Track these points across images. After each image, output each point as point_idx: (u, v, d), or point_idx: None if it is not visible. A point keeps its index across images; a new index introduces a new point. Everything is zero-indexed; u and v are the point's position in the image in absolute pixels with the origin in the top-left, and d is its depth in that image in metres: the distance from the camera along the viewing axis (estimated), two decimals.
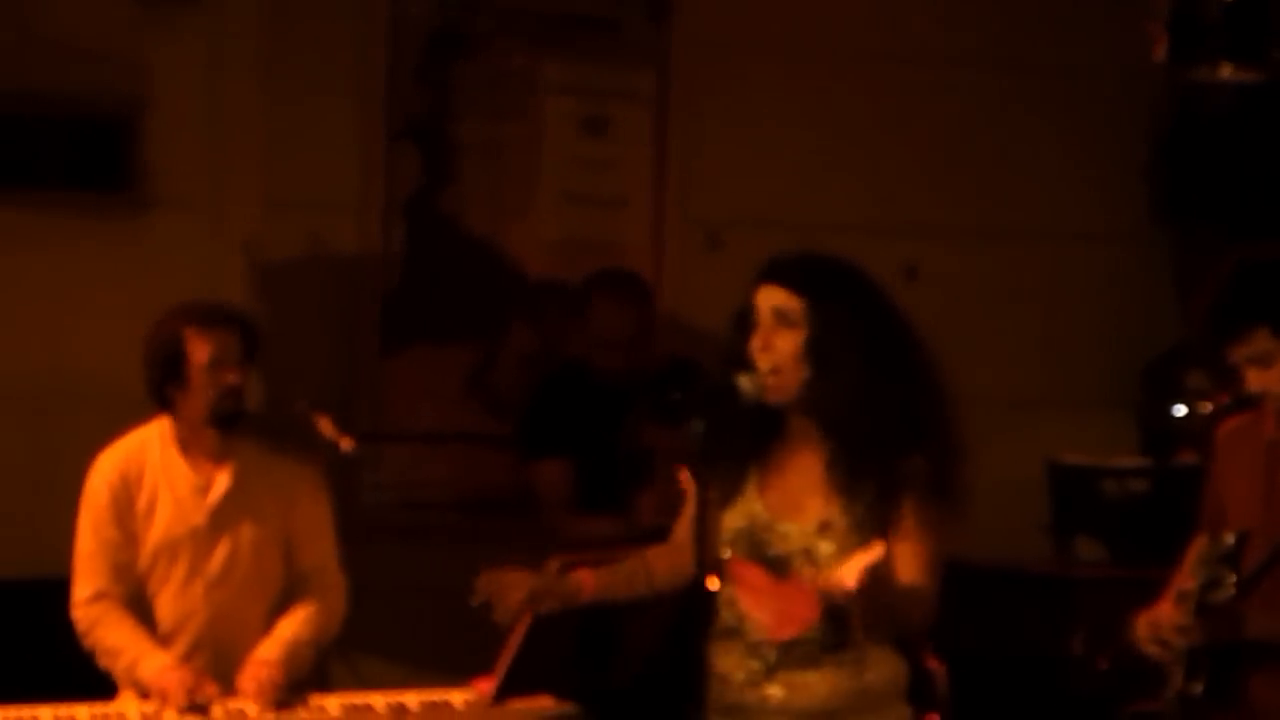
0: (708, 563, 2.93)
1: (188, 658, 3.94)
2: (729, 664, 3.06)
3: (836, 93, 5.63)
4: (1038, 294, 5.80)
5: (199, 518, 4.01)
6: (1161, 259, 5.77)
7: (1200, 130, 5.58)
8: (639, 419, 2.95)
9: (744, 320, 3.07)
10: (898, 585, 2.93)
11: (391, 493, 5.31)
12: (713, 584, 2.85)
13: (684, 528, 3.19)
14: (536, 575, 3.22)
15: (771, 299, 3.05)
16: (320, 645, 4.01)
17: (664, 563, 3.17)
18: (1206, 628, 3.13)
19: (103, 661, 3.95)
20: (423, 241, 5.35)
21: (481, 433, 5.34)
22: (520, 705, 3.62)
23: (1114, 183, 5.77)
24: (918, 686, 3.14)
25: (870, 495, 2.96)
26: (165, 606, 4.00)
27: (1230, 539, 3.14)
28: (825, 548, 3.00)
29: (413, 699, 3.75)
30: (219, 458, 4.03)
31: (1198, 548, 3.24)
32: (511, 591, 3.19)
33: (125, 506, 3.99)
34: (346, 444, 4.10)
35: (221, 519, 4.01)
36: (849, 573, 2.77)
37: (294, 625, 3.98)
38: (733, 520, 3.08)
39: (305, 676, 3.95)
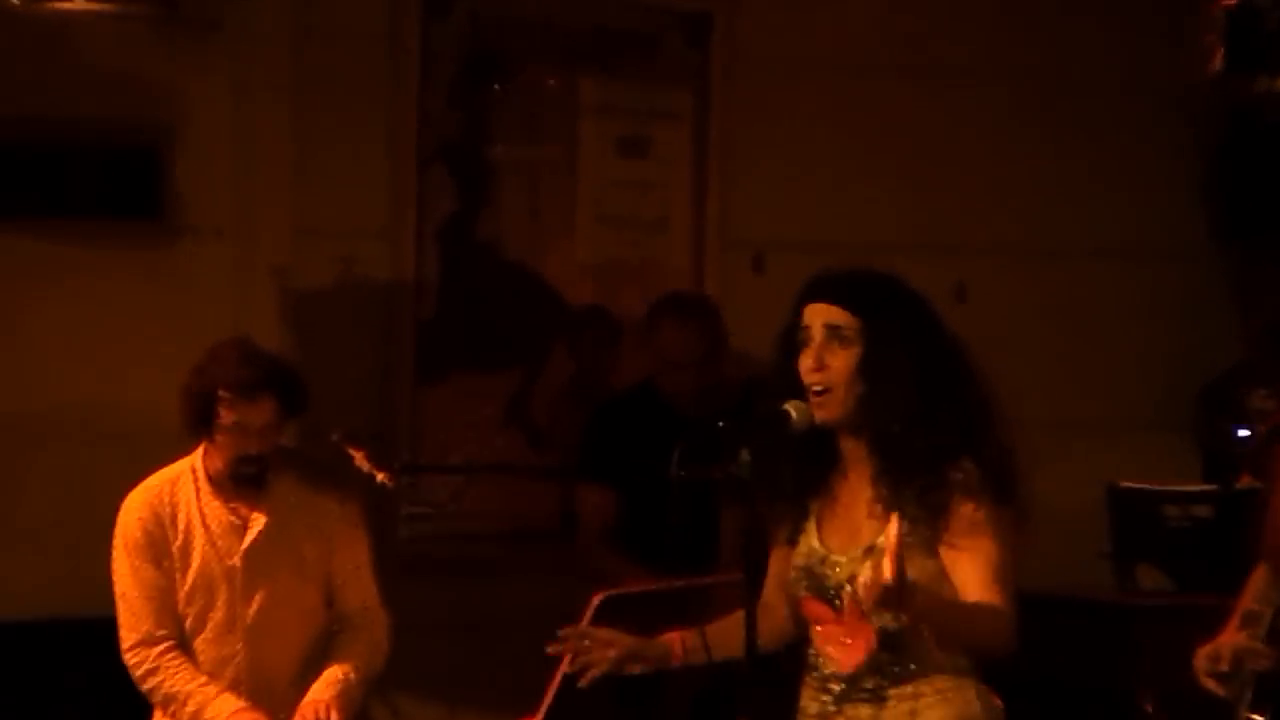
0: (754, 597, 2.93)
1: None
2: (806, 698, 3.10)
3: (881, 110, 5.65)
4: (1092, 314, 5.78)
5: (235, 558, 4.03)
6: (1220, 277, 5.79)
7: (1258, 144, 5.59)
8: (689, 448, 2.92)
9: (791, 340, 3.05)
10: (957, 596, 2.89)
11: (429, 525, 5.31)
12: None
13: (773, 585, 3.17)
14: (628, 636, 3.13)
15: (823, 316, 3.03)
16: (369, 683, 4.05)
17: (762, 625, 3.03)
18: (1278, 654, 3.10)
19: (164, 707, 3.98)
20: (458, 268, 5.36)
21: (521, 463, 5.36)
22: None
23: (1171, 199, 5.78)
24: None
25: (915, 507, 2.93)
26: (203, 649, 4.03)
27: None
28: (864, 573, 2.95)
29: None
30: (254, 496, 4.05)
31: (1261, 573, 3.23)
32: (601, 650, 3.11)
33: (161, 545, 4.01)
34: (383, 477, 4.13)
35: (258, 560, 4.03)
36: (874, 566, 2.73)
37: (345, 665, 4.01)
38: (797, 558, 3.09)
39: (356, 717, 4.01)
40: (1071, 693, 4.97)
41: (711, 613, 3.18)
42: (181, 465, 4.09)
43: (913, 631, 2.88)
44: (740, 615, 2.95)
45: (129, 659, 3.97)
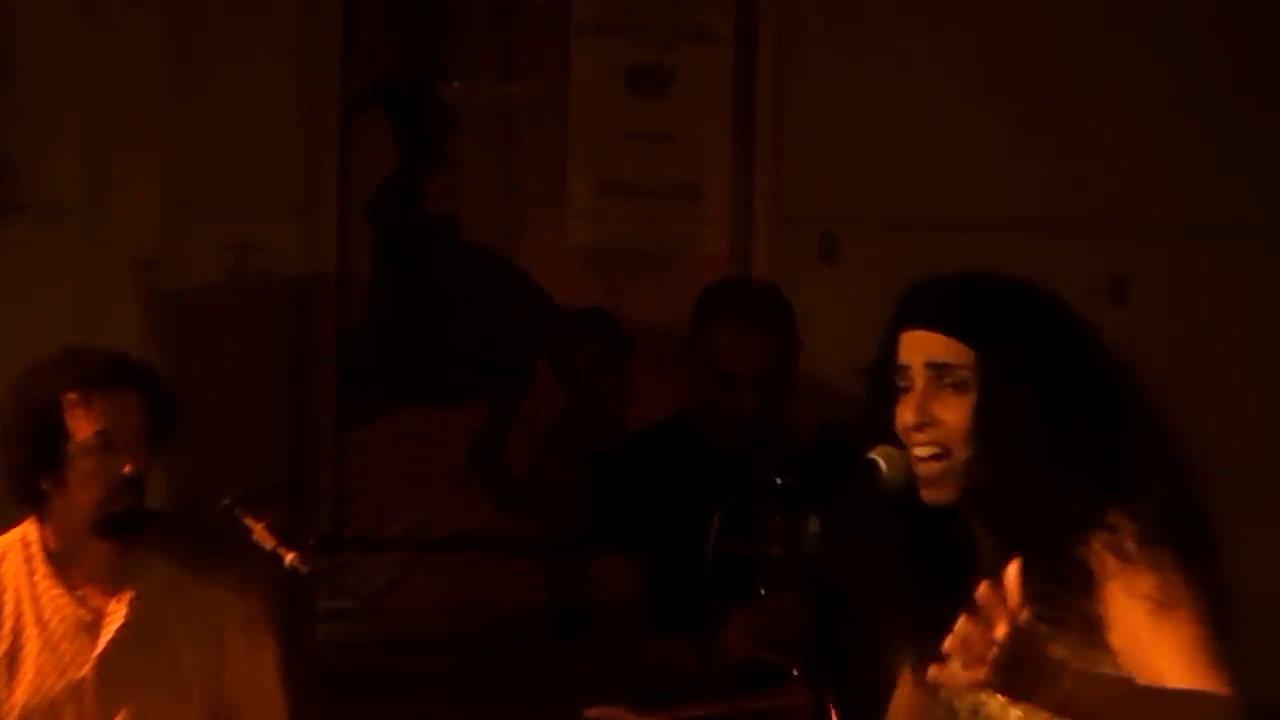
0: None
1: None
2: None
3: (997, 34, 5.63)
4: None
5: (85, 668, 4.03)
6: None
7: None
8: (734, 511, 2.94)
9: (883, 380, 3.09)
10: (1138, 686, 2.90)
11: (358, 625, 5.31)
12: None
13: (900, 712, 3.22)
14: None
15: (926, 350, 3.05)
16: None
17: None
18: None
19: None
20: (399, 256, 5.36)
21: (488, 533, 5.36)
22: None
23: None
24: None
25: (1045, 604, 2.94)
26: None
27: None
28: (994, 703, 3.03)
29: None
30: (113, 581, 4.06)
31: None
32: None
33: None
34: (292, 558, 4.12)
35: (117, 670, 4.03)
36: (975, 620, 2.72)
37: None
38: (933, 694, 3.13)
39: None
40: None
41: None
42: (7, 539, 4.12)
43: None
44: None
45: None
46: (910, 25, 5.60)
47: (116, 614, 4.05)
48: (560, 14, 5.45)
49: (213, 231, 5.23)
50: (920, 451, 3.04)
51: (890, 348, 3.09)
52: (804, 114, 5.56)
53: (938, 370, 3.04)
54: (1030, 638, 2.72)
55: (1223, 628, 2.95)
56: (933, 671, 2.82)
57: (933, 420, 3.04)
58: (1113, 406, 3.04)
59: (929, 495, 3.04)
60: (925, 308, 3.08)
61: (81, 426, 3.98)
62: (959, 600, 2.91)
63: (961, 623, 2.74)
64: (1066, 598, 2.96)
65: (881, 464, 3.04)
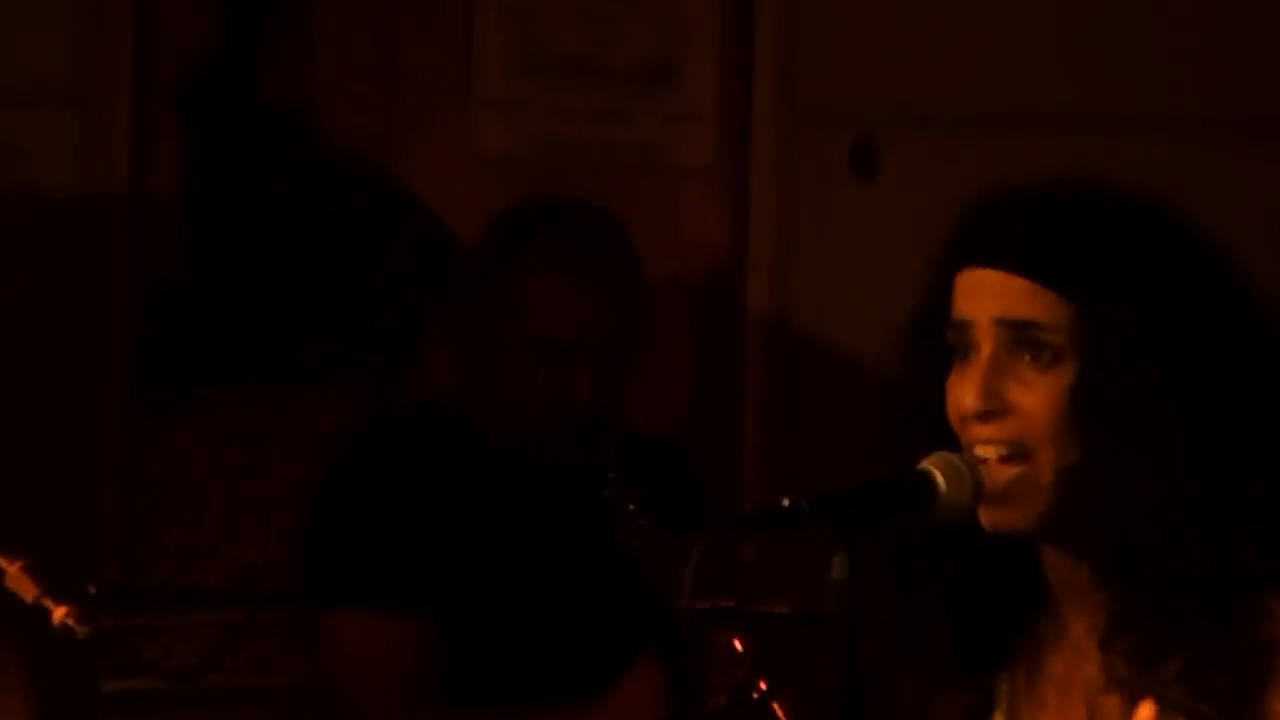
0: None
1: None
2: None
3: None
4: None
5: None
6: None
7: None
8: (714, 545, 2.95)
9: (930, 344, 3.08)
10: None
11: (162, 716, 5.38)
12: None
13: None
14: None
15: (997, 301, 3.05)
16: None
17: None
18: None
19: None
20: (221, 169, 5.46)
21: None
22: None
23: None
24: None
25: (1190, 697, 2.98)
26: None
27: None
28: None
29: None
30: None
31: None
32: None
33: None
34: (63, 613, 4.14)
35: None
36: None
37: None
38: None
39: None
40: None
41: None
42: None
43: None
44: None
45: None
46: None
47: None
48: None
49: None
50: (984, 451, 3.02)
51: (942, 296, 3.07)
52: None
53: (1015, 331, 3.02)
54: None
55: None
56: None
57: (1004, 405, 3.02)
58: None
59: (992, 519, 3.03)
60: (997, 238, 3.08)
61: None
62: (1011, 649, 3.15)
63: None
64: (1229, 695, 2.96)
65: (939, 479, 3.00)
